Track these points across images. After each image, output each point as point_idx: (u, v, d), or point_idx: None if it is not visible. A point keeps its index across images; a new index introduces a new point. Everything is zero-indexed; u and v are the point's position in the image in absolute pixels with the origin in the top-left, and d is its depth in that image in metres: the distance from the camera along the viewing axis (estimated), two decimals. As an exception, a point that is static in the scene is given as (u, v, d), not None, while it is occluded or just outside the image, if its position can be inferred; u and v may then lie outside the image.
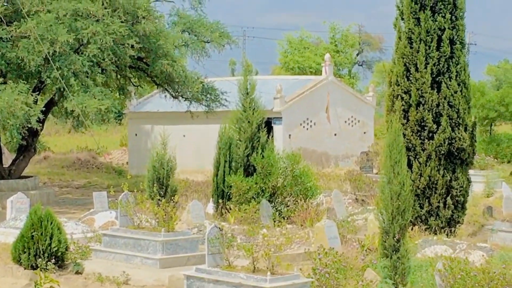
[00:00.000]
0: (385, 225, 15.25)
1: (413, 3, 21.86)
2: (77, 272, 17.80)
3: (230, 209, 23.19)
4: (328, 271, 15.23)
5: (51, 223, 18.17)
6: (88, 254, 18.89)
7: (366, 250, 18.58)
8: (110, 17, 28.08)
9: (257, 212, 22.42)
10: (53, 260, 17.40)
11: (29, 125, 28.03)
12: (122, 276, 16.92)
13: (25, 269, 17.68)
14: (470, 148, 22.26)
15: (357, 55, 72.09)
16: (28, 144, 32.02)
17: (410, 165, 20.06)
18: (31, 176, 32.46)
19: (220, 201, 24.36)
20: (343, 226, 21.53)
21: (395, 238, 14.89)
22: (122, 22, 28.55)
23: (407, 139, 20.85)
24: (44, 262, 17.19)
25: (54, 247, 17.84)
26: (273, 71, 64.15)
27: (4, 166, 32.26)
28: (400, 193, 14.73)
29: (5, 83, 26.89)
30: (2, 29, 27.11)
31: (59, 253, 17.93)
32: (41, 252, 17.68)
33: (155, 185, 22.35)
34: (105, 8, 27.87)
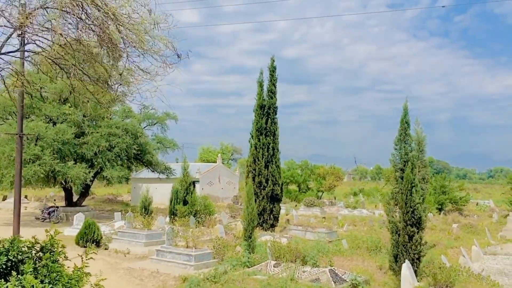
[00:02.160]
0: (245, 227, 16.32)
1: (257, 131, 23.66)
2: (105, 249, 18.53)
3: (176, 220, 23.18)
4: (219, 247, 16.40)
5: (94, 226, 18.93)
6: (110, 240, 19.29)
7: (236, 238, 19.40)
8: (125, 135, 29.74)
9: (188, 221, 22.69)
10: (94, 243, 18.34)
11: (86, 183, 29.13)
12: (127, 250, 17.69)
13: (80, 247, 18.07)
14: (280, 194, 23.96)
15: (231, 155, 78.31)
16: (85, 191, 33.00)
17: (255, 201, 19.66)
18: (86, 206, 33.37)
19: (172, 216, 24.80)
20: (226, 228, 22.28)
21: (249, 232, 16.08)
22: (130, 137, 30.11)
23: (254, 189, 22.00)
24: (90, 244, 18.07)
25: (95, 237, 18.65)
26: (196, 160, 69.72)
27: (74, 200, 33.00)
28: (251, 212, 16.10)
29: (75, 163, 27.57)
30: (74, 140, 28.24)
31: (97, 240, 18.73)
32: (89, 239, 18.47)
33: (142, 209, 23.57)
34: (122, 131, 29.60)
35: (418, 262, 13.32)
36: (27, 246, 3.70)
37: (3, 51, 5.43)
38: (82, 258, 4.00)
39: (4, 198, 39.42)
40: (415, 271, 13.06)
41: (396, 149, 13.93)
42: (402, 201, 13.29)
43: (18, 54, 6.62)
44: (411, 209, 13.24)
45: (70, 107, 28.46)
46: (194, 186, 28.98)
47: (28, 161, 25.49)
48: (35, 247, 3.78)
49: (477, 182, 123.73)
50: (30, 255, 3.64)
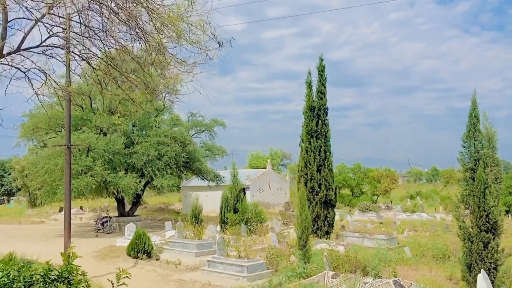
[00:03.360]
0: (299, 235, 15.39)
1: (307, 134, 22.78)
2: (156, 259, 18.23)
3: (227, 228, 23.14)
4: (273, 256, 15.91)
5: (144, 236, 18.63)
6: (162, 250, 19.08)
7: (290, 247, 18.88)
8: (174, 143, 29.57)
9: (239, 229, 22.43)
10: (145, 254, 18.13)
11: (137, 192, 29.26)
12: (178, 261, 17.23)
13: (132, 258, 18.25)
14: (334, 199, 22.88)
15: (281, 160, 77.79)
16: (136, 201, 33.20)
17: (308, 207, 18.36)
18: (138, 215, 33.62)
19: (223, 225, 24.63)
20: (279, 235, 21.74)
21: (304, 241, 15.22)
22: (179, 146, 29.86)
23: (307, 195, 20.48)
24: (141, 254, 18.01)
25: (146, 247, 18.36)
26: (245, 166, 69.61)
27: (126, 210, 33.36)
28: (305, 219, 15.25)
29: (126, 173, 27.83)
30: (124, 150, 28.33)
31: (148, 250, 18.41)
32: (140, 250, 18.24)
33: (192, 218, 22.98)
34: (171, 140, 29.39)
35: (495, 272, 11.93)
36: (39, 274, 2.99)
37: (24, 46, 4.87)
38: (112, 284, 3.25)
39: (61, 210, 40.34)
40: (492, 282, 11.66)
41: (464, 146, 12.60)
42: (474, 205, 11.95)
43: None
44: (485, 213, 11.89)
45: (119, 117, 28.62)
46: (244, 193, 28.41)
47: (80, 172, 25.75)
48: (50, 275, 3.06)
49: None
50: (42, 285, 2.92)
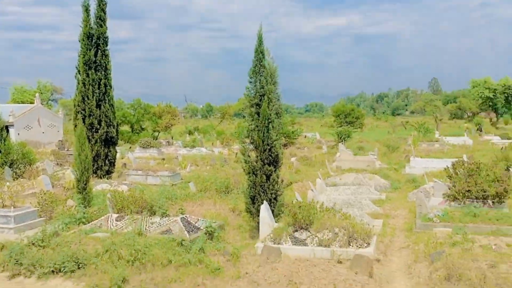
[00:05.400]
0: (79, 177, 14.36)
1: (84, 65, 20.75)
2: None
3: None
4: (46, 202, 14.20)
5: None
6: None
7: (66, 190, 17.57)
8: None
9: (3, 173, 19.67)
10: None
11: None
12: None
13: None
14: (116, 136, 21.80)
15: (51, 94, 68.82)
16: None
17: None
18: None
19: None
20: (53, 178, 19.59)
21: (84, 183, 14.30)
22: None
23: (86, 133, 17.32)
24: None
25: None
26: (8, 101, 59.61)
27: None
28: (85, 159, 14.31)
29: None
30: None
31: None
32: None
33: None
34: None
35: (275, 202, 12.83)
36: None
37: None
38: None
39: None
40: (272, 211, 12.46)
41: (251, 82, 12.79)
42: (259, 139, 12.38)
43: None
44: (268, 147, 12.48)
45: None
46: (7, 131, 25.07)
47: None
48: None
49: (296, 116, 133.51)
50: None
